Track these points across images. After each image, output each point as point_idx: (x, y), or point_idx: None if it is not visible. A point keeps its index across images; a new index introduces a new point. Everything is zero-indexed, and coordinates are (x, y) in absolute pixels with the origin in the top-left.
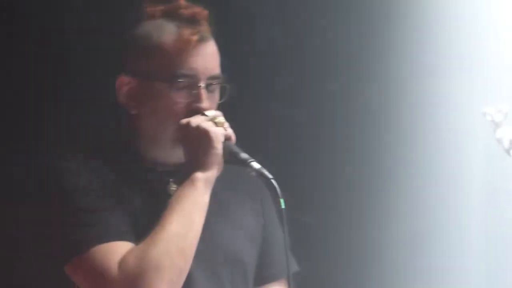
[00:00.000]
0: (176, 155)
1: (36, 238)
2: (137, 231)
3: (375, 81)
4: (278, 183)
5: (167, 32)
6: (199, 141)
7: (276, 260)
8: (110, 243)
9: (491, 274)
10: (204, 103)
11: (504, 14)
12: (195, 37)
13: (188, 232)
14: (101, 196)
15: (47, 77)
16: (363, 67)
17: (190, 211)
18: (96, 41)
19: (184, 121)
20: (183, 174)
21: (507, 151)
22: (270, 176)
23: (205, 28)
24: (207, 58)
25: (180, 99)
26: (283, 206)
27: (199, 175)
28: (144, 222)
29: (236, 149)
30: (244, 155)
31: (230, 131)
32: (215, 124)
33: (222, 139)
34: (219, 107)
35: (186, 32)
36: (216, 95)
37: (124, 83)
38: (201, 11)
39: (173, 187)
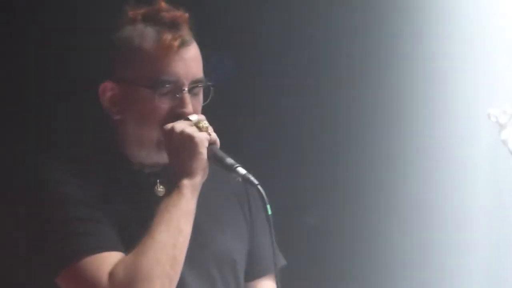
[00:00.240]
0: (162, 156)
1: (26, 249)
2: (127, 235)
3: (379, 83)
4: (278, 184)
5: (148, 37)
6: (183, 147)
7: (264, 256)
8: (100, 254)
9: (495, 275)
10: (188, 108)
11: (508, 15)
12: (176, 42)
13: (177, 240)
14: (89, 205)
15: (32, 83)
16: (367, 69)
17: (178, 219)
18: (82, 44)
19: (168, 126)
20: (170, 177)
21: None
22: (256, 182)
23: (186, 32)
24: (189, 62)
25: (164, 104)
26: (269, 212)
27: (185, 182)
28: (134, 225)
29: (221, 154)
30: (229, 160)
31: (214, 136)
32: (199, 129)
33: (206, 144)
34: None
35: (167, 37)
36: (200, 97)
37: (107, 89)
38: (182, 15)
39: (160, 188)
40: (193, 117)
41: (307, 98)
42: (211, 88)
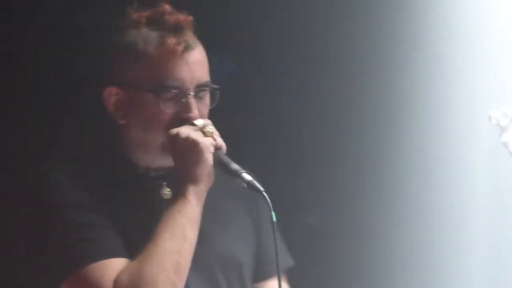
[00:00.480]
0: (168, 160)
1: (30, 255)
2: (132, 240)
3: (379, 83)
4: (278, 184)
5: (152, 41)
6: (188, 152)
7: (272, 257)
8: (105, 261)
9: (496, 276)
10: (193, 112)
11: (510, 17)
12: (180, 47)
13: (182, 246)
14: (94, 211)
15: (33, 84)
16: (367, 70)
17: (183, 226)
18: (84, 45)
19: (173, 131)
20: (176, 180)
21: None
22: (261, 188)
23: (190, 35)
24: (194, 66)
25: (168, 109)
26: (274, 219)
27: (190, 188)
28: (139, 229)
29: (226, 159)
30: (234, 166)
31: (219, 141)
32: (204, 134)
33: (212, 149)
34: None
35: (171, 41)
36: (206, 101)
37: (112, 93)
38: (185, 18)
39: (167, 190)
40: (199, 122)
41: (307, 98)
42: (217, 91)
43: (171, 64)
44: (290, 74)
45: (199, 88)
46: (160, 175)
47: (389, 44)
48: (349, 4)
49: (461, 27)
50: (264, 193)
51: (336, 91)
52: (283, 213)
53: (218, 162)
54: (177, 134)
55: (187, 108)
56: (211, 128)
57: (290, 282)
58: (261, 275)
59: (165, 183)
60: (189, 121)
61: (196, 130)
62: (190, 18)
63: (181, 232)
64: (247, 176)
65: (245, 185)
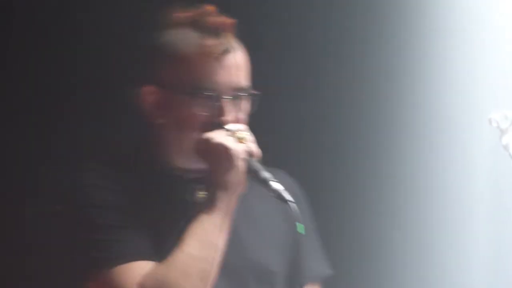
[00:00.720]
0: (202, 163)
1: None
2: (162, 242)
3: (380, 86)
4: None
5: (191, 43)
6: (219, 158)
7: (309, 265)
8: (131, 264)
9: (496, 277)
10: (227, 117)
11: (510, 17)
12: (218, 49)
13: (208, 254)
14: (124, 212)
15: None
16: (367, 71)
17: (211, 233)
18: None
19: (205, 136)
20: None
21: None
22: (289, 198)
23: (230, 39)
24: (231, 70)
25: (203, 112)
26: (300, 231)
27: (220, 195)
28: (169, 232)
29: (257, 166)
30: (264, 174)
31: (252, 147)
32: (237, 140)
33: (243, 156)
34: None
35: (210, 43)
36: (244, 106)
37: (149, 92)
38: (227, 21)
39: (201, 193)
40: (232, 127)
41: (306, 99)
42: (257, 96)
43: (207, 66)
44: (290, 75)
45: (236, 92)
46: (195, 178)
47: (388, 45)
48: (348, 4)
49: (464, 31)
50: (291, 203)
51: (334, 92)
52: None
53: (248, 169)
54: (209, 139)
55: (220, 112)
56: (244, 133)
57: None
58: (297, 283)
59: (200, 186)
60: (222, 125)
61: (229, 136)
62: (233, 21)
63: (208, 239)
64: (275, 185)
65: (273, 195)
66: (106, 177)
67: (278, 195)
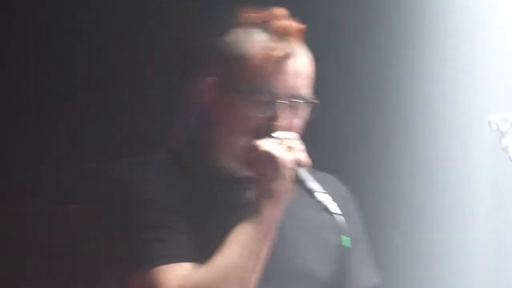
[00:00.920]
0: (249, 170)
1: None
2: (206, 244)
3: (380, 87)
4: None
5: (254, 43)
6: (265, 167)
7: (359, 272)
8: (172, 265)
9: (496, 278)
10: (279, 122)
11: (510, 17)
12: (279, 53)
13: (249, 261)
14: (170, 211)
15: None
16: (367, 73)
17: (253, 241)
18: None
19: (254, 143)
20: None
21: None
22: (333, 211)
23: (296, 44)
24: (290, 75)
25: (256, 113)
26: (345, 244)
27: (265, 203)
28: (214, 235)
29: (304, 176)
30: (310, 184)
31: (300, 156)
32: (285, 148)
33: (290, 165)
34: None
35: (272, 46)
36: (300, 114)
37: (209, 86)
38: (295, 26)
39: (249, 195)
40: (281, 135)
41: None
42: (316, 105)
43: (267, 69)
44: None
45: (292, 98)
46: (243, 182)
47: (387, 46)
48: (348, 4)
49: (464, 33)
50: (335, 215)
51: (334, 92)
52: None
53: (296, 178)
54: (256, 147)
55: (274, 116)
56: (294, 142)
57: None
58: None
59: (247, 192)
60: (273, 130)
61: (279, 143)
62: (302, 26)
63: (250, 247)
64: (320, 197)
65: (319, 206)
66: (155, 175)
67: (323, 206)
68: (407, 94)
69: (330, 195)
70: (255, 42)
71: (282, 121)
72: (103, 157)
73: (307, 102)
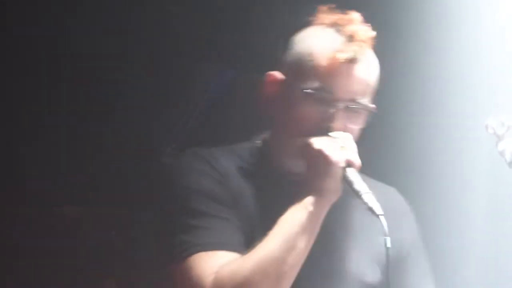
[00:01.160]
0: (302, 166)
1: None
2: (252, 236)
3: (377, 91)
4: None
5: (325, 44)
6: (317, 164)
7: (411, 281)
8: (212, 252)
9: (494, 282)
10: (335, 124)
11: (510, 24)
12: (344, 56)
13: (289, 255)
14: (221, 202)
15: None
16: None
17: (296, 235)
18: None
19: (308, 140)
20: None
21: (509, 164)
22: (379, 212)
23: (363, 49)
24: (352, 80)
25: (315, 112)
26: (388, 245)
27: (313, 199)
28: (262, 227)
29: (353, 177)
30: (358, 186)
31: (352, 157)
32: (339, 148)
33: (342, 165)
34: None
35: (340, 49)
36: (357, 119)
37: (274, 79)
38: (365, 31)
39: (298, 191)
40: (336, 135)
41: None
42: (373, 111)
43: (331, 71)
44: None
45: (351, 103)
46: (295, 179)
47: (387, 45)
48: (349, 4)
49: (462, 37)
50: (381, 217)
51: None
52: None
53: (344, 179)
54: (311, 144)
55: (330, 117)
56: (348, 143)
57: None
58: None
59: (297, 188)
60: (328, 131)
61: (333, 143)
62: (372, 33)
63: (292, 241)
64: (366, 198)
65: (365, 207)
66: (211, 166)
67: (369, 208)
68: (403, 99)
69: (385, 207)
70: (326, 42)
71: (338, 122)
72: (103, 157)
73: (365, 108)
